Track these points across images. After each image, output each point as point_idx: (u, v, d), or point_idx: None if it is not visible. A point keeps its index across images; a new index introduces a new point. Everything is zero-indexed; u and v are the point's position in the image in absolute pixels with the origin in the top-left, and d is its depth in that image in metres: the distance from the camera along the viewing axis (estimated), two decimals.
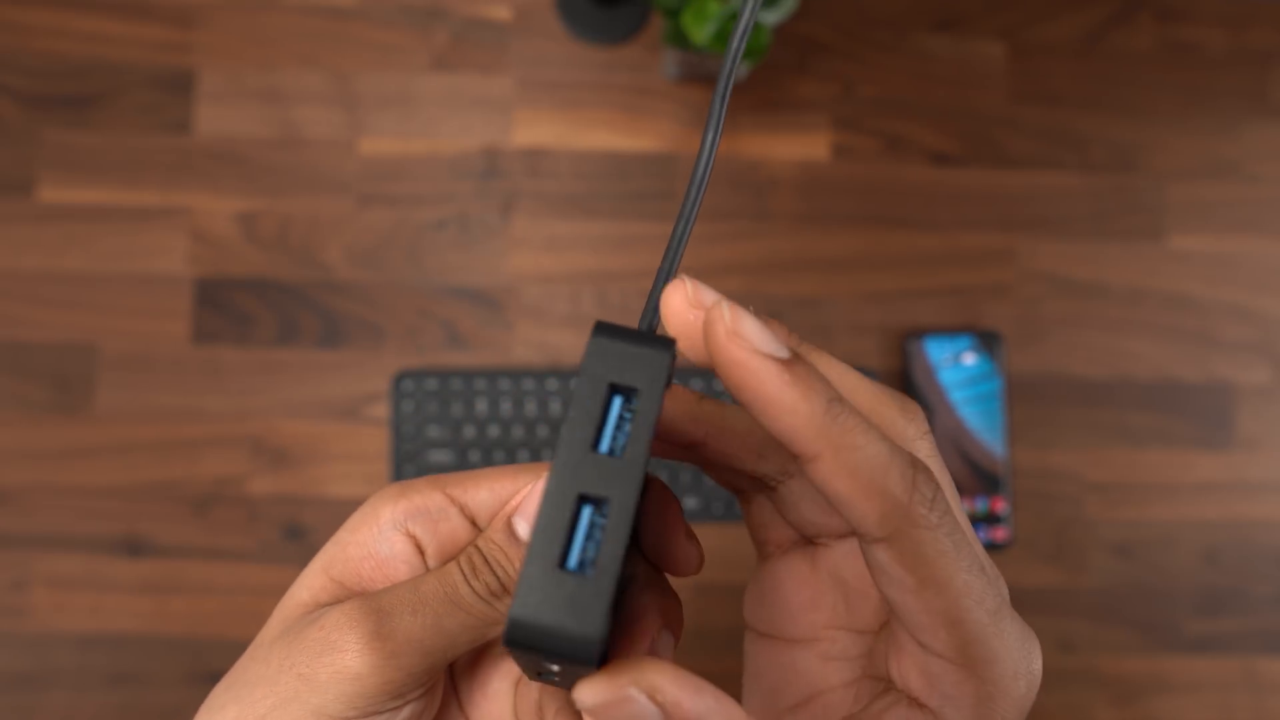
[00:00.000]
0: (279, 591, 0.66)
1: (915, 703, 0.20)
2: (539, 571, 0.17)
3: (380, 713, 0.22)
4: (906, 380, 0.68)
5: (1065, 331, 0.70)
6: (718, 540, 0.68)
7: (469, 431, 0.66)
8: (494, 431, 0.66)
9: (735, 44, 0.20)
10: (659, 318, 0.20)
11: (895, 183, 0.70)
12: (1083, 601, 0.69)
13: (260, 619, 0.66)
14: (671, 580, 0.68)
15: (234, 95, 0.69)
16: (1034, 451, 0.69)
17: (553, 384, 0.66)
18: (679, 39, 0.61)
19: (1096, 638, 0.69)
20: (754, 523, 0.25)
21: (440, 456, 0.66)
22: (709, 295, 0.19)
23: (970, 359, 0.68)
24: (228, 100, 0.68)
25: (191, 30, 0.69)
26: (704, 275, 0.69)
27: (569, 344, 0.68)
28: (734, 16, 0.57)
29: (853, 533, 0.23)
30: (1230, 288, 0.71)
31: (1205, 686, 0.69)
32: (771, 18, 0.57)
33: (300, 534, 0.66)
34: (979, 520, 0.68)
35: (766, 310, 0.69)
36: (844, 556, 0.23)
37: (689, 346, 0.19)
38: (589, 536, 0.17)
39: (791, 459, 0.23)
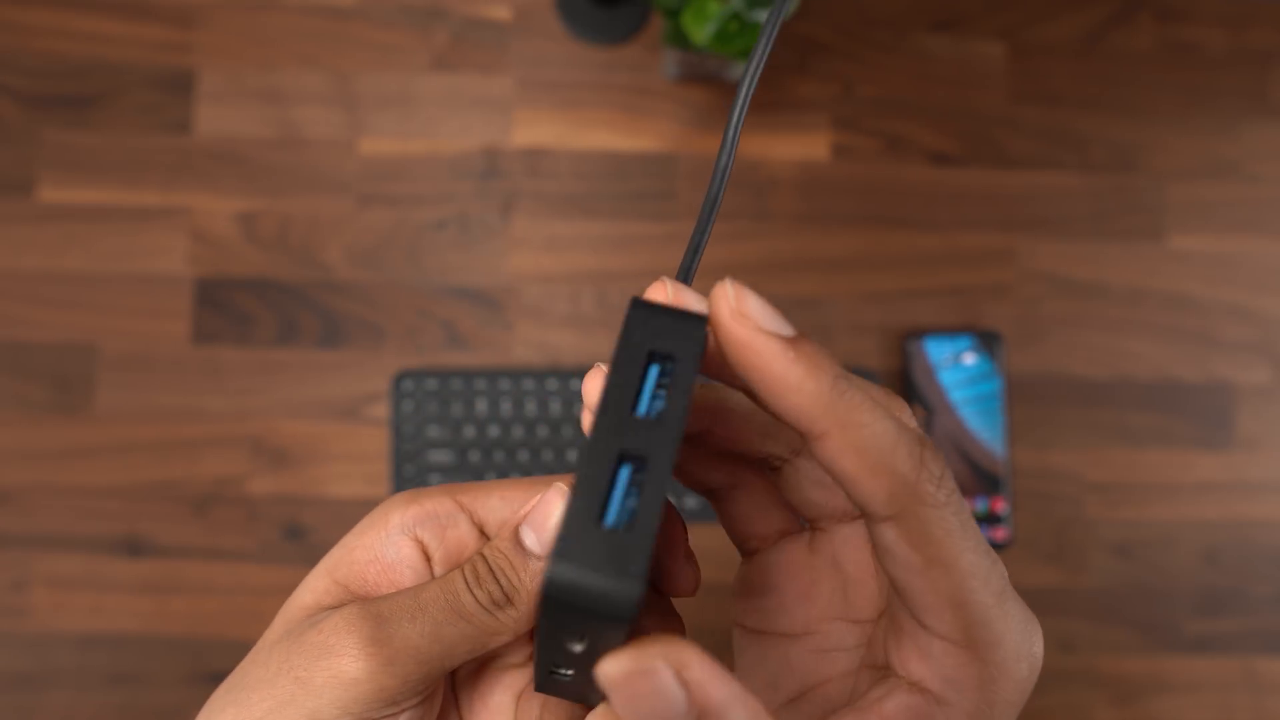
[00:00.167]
0: (279, 591, 0.66)
1: (916, 687, 0.20)
2: (578, 528, 0.17)
3: (376, 719, 0.21)
4: (906, 380, 0.68)
5: (1065, 331, 0.70)
6: (718, 540, 0.68)
7: (469, 431, 0.66)
8: (494, 431, 0.66)
9: (760, 49, 0.20)
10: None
11: (895, 183, 0.70)
12: (1083, 601, 0.69)
13: (260, 619, 0.66)
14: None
15: (234, 95, 0.69)
16: (1034, 451, 0.69)
17: (553, 384, 0.66)
18: (679, 39, 0.61)
19: (1096, 638, 0.69)
20: (736, 518, 0.25)
21: (440, 456, 0.66)
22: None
23: (970, 359, 0.68)
24: (228, 100, 0.68)
25: (191, 30, 0.69)
26: (704, 275, 0.69)
27: (569, 344, 0.68)
28: (734, 16, 0.57)
29: (855, 517, 0.23)
30: (1230, 288, 0.71)
31: (1205, 686, 0.69)
32: None
33: (300, 534, 0.66)
34: (979, 520, 0.68)
35: None
36: (844, 542, 0.23)
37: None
38: (627, 495, 0.17)
39: (798, 438, 0.23)
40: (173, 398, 0.67)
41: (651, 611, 0.23)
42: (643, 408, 0.18)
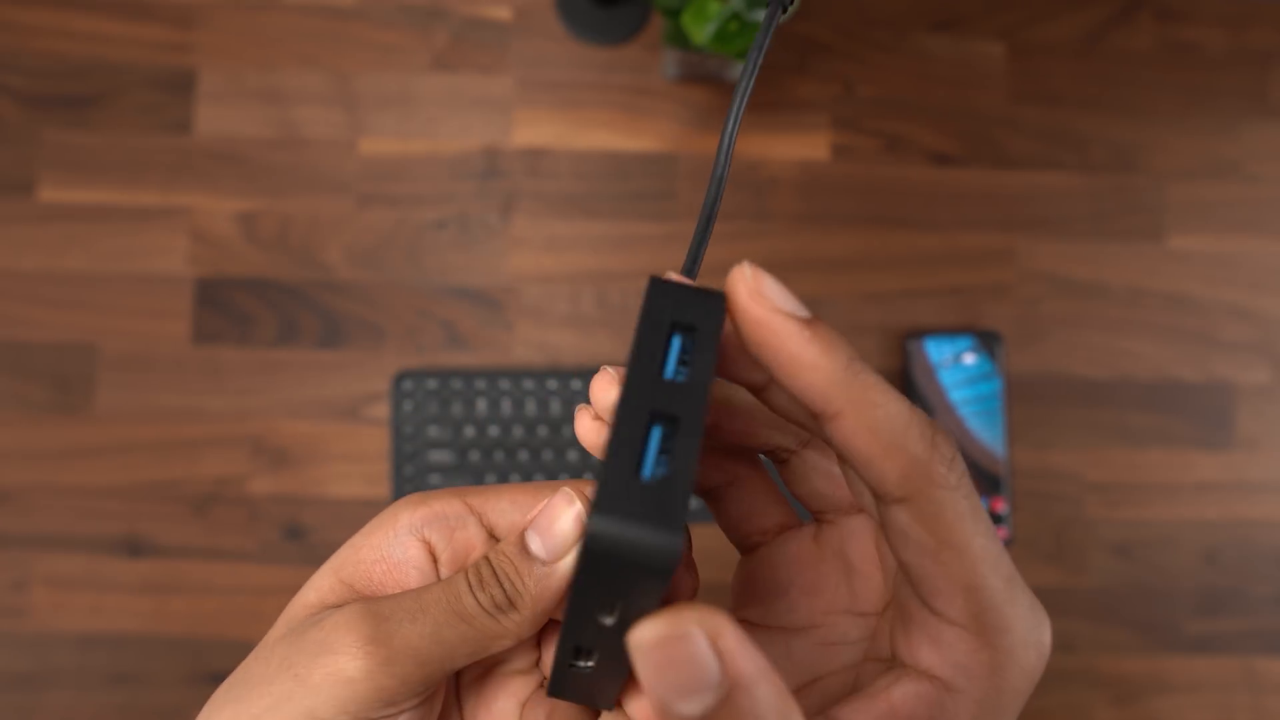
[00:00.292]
0: (279, 591, 0.66)
1: (925, 675, 0.20)
2: (616, 483, 0.17)
3: (373, 719, 0.21)
4: (907, 380, 0.68)
5: (1065, 331, 0.70)
6: (719, 541, 0.68)
7: (469, 431, 0.66)
8: (494, 431, 0.66)
9: (754, 56, 0.21)
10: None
11: (895, 183, 0.70)
12: (1083, 601, 0.69)
13: (260, 619, 0.66)
14: None
15: (234, 95, 0.69)
16: (1034, 451, 0.69)
17: (553, 384, 0.66)
18: (679, 39, 0.61)
19: (1096, 638, 0.69)
20: (736, 515, 0.25)
21: (440, 456, 0.66)
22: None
23: (970, 359, 0.68)
24: (228, 100, 0.68)
25: (191, 30, 0.69)
26: (704, 275, 0.69)
27: (569, 344, 0.68)
28: (734, 16, 0.57)
29: (860, 509, 0.23)
30: (1230, 288, 0.71)
31: (1205, 686, 0.69)
32: None
33: (300, 534, 0.66)
34: None
35: None
36: (850, 534, 0.23)
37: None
38: (662, 451, 0.18)
39: (804, 430, 0.23)
40: (173, 398, 0.67)
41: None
42: (669, 372, 0.19)
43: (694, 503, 0.67)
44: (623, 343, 0.69)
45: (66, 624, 0.65)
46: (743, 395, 0.23)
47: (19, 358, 0.67)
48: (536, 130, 0.69)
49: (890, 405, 0.19)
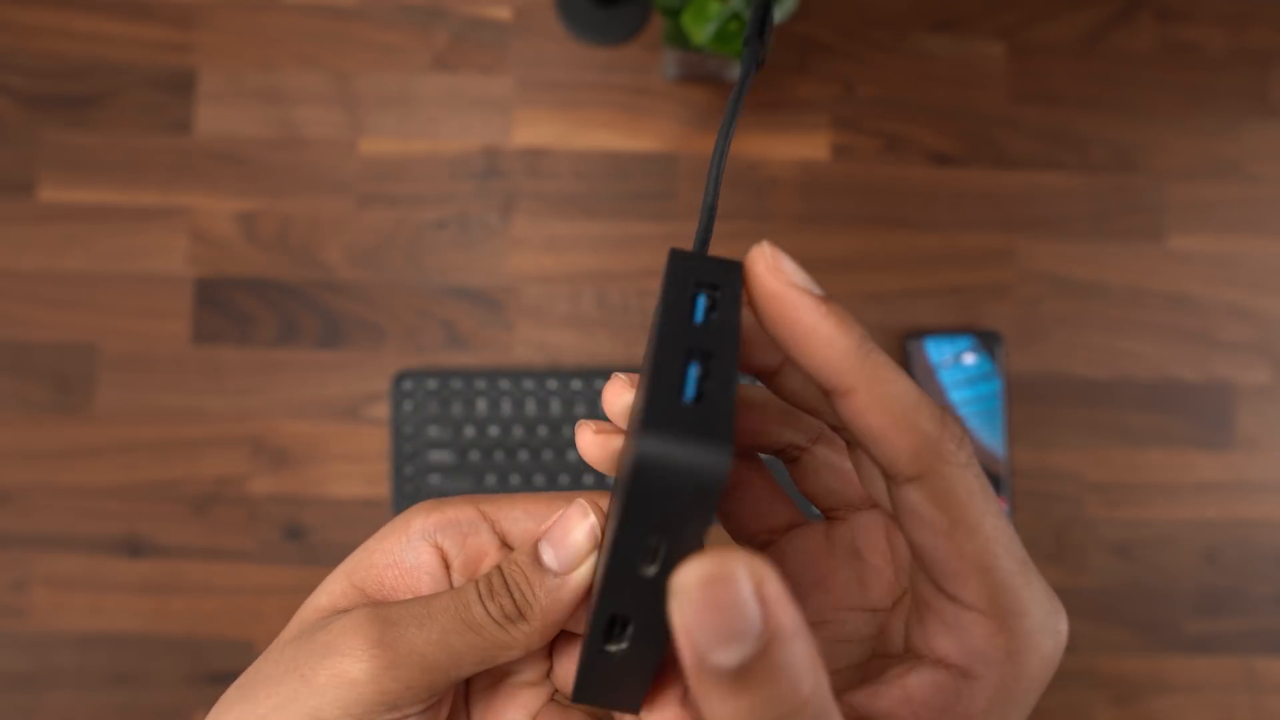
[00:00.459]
0: (279, 591, 0.66)
1: (941, 664, 0.20)
2: (660, 406, 0.17)
3: None
4: None
5: (1065, 331, 0.70)
6: (718, 542, 0.68)
7: (469, 431, 0.66)
8: (494, 431, 0.66)
9: (737, 93, 0.22)
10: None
11: (895, 183, 0.70)
12: (1083, 601, 0.69)
13: (260, 619, 0.66)
14: None
15: (234, 95, 0.69)
16: (1034, 451, 0.69)
17: (553, 384, 0.66)
18: (679, 39, 0.61)
19: (1096, 638, 0.69)
20: (744, 515, 0.25)
21: (440, 456, 0.66)
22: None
23: (970, 359, 0.68)
24: (228, 100, 0.68)
25: (191, 30, 0.69)
26: None
27: (569, 344, 0.68)
28: (734, 16, 0.57)
29: (872, 504, 0.23)
30: (1230, 288, 0.71)
31: (1205, 686, 0.69)
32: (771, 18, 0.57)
33: (300, 534, 0.66)
34: None
35: None
36: (861, 528, 0.23)
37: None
38: (701, 380, 0.18)
39: (820, 407, 0.23)
40: (173, 398, 0.67)
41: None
42: (699, 318, 0.19)
43: None
44: (623, 343, 0.69)
45: (66, 624, 0.65)
46: (754, 393, 0.23)
47: (19, 358, 0.67)
48: (536, 130, 0.69)
49: (901, 383, 0.19)
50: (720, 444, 0.17)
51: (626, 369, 0.67)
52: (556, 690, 0.25)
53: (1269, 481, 0.70)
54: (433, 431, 0.66)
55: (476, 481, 0.66)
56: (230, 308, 0.67)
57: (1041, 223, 0.71)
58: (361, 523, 0.67)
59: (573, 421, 0.66)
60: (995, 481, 0.68)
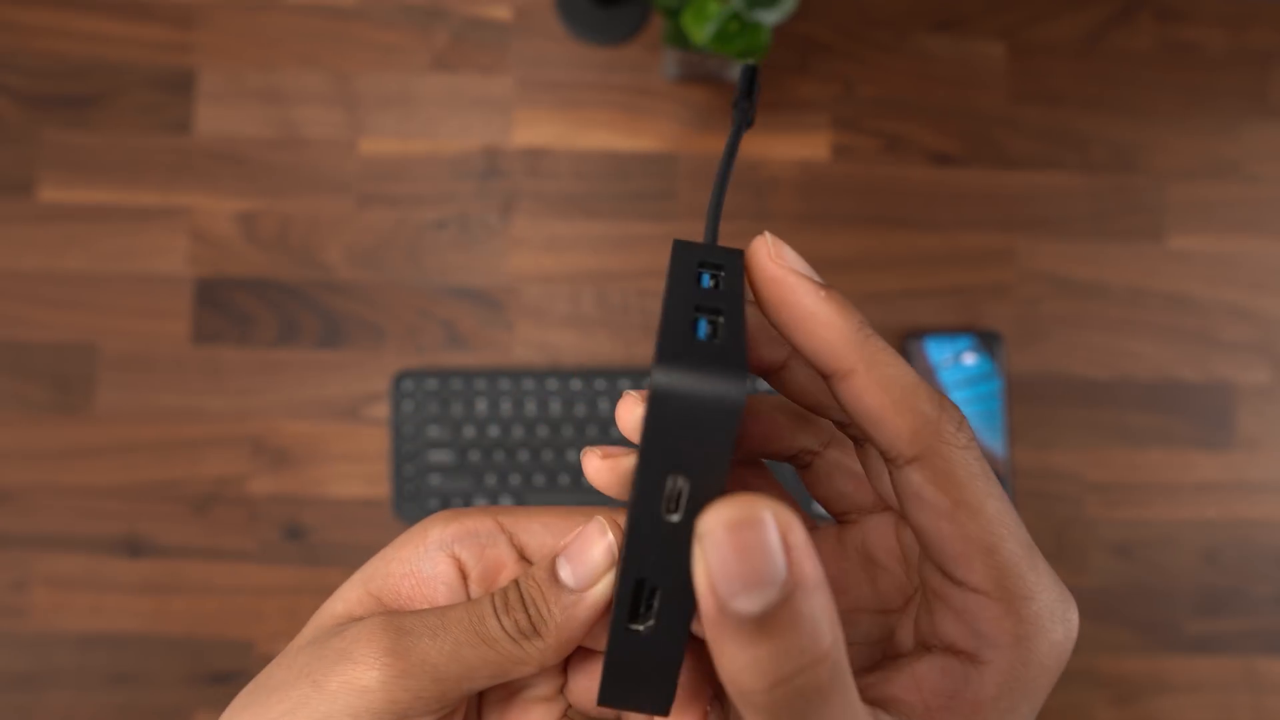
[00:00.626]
0: (279, 591, 0.66)
1: (950, 650, 0.20)
2: (675, 343, 0.17)
3: None
4: None
5: (1065, 331, 0.70)
6: None
7: (469, 431, 0.66)
8: (494, 431, 0.66)
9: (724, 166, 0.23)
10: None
11: (895, 183, 0.70)
12: (1083, 601, 0.69)
13: (260, 619, 0.66)
14: None
15: (234, 95, 0.69)
16: (1034, 451, 0.69)
17: (553, 384, 0.66)
18: (679, 39, 0.61)
19: (1096, 638, 0.69)
20: None
21: (440, 456, 0.66)
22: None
23: (970, 359, 0.68)
24: (228, 100, 0.68)
25: (191, 30, 0.69)
26: None
27: (569, 344, 0.68)
28: (734, 16, 0.57)
29: (883, 507, 0.23)
30: (1230, 288, 0.71)
31: (1205, 686, 0.69)
32: (771, 18, 0.57)
33: (300, 534, 0.66)
34: None
35: None
36: (872, 530, 0.23)
37: None
38: (710, 325, 0.18)
39: (826, 403, 0.23)
40: (173, 398, 0.67)
41: (698, 666, 0.23)
42: (705, 285, 0.20)
43: None
44: (623, 343, 0.69)
45: (66, 624, 0.65)
46: (764, 400, 0.24)
47: (19, 358, 0.67)
48: (536, 130, 0.69)
49: (899, 366, 0.19)
50: (735, 370, 0.17)
51: (626, 369, 0.67)
52: (570, 706, 0.25)
53: (1269, 481, 0.70)
54: (433, 431, 0.66)
55: (476, 481, 0.66)
56: (230, 308, 0.67)
57: (1041, 223, 0.71)
58: (361, 523, 0.67)
59: (573, 421, 0.66)
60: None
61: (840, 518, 0.24)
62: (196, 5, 0.69)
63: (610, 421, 0.66)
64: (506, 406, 0.66)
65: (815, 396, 0.23)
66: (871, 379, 0.19)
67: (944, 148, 0.71)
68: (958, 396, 0.68)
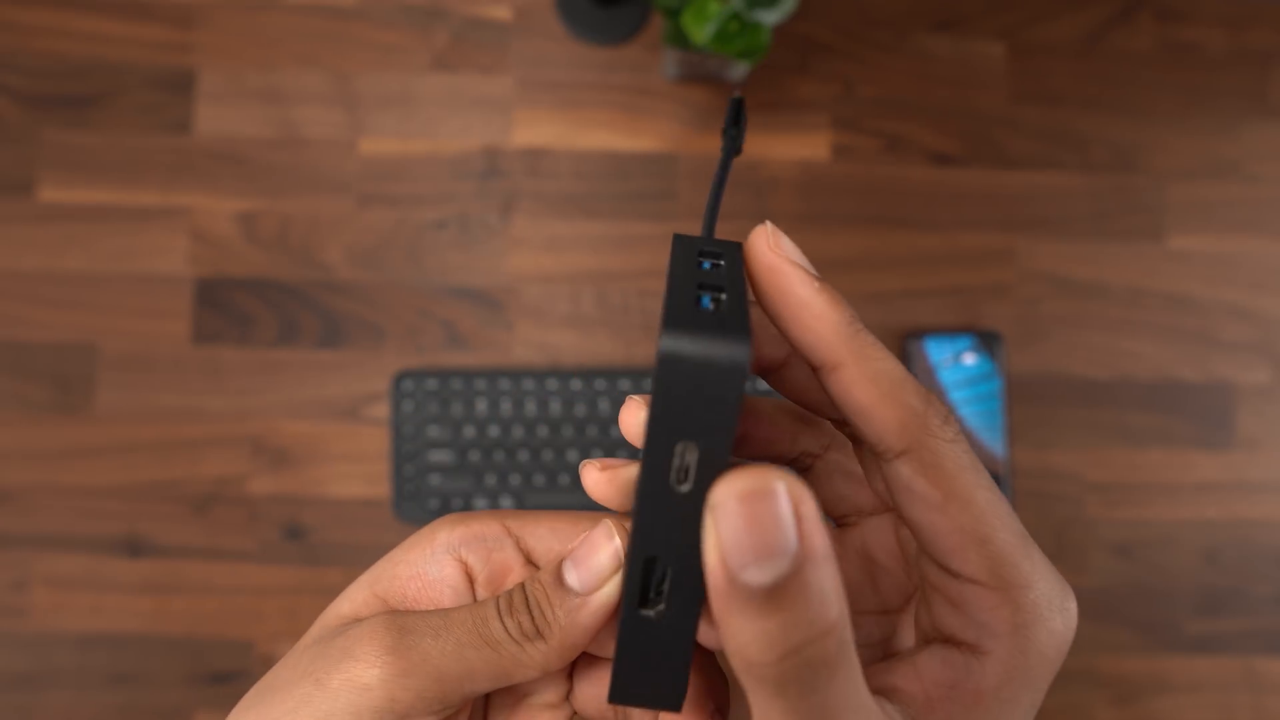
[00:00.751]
0: (279, 591, 0.66)
1: (951, 641, 0.20)
2: (680, 311, 0.18)
3: None
4: None
5: (1065, 331, 0.70)
6: None
7: (469, 431, 0.66)
8: (494, 431, 0.66)
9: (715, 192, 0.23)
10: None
11: (895, 183, 0.70)
12: (1083, 601, 0.69)
13: (260, 619, 0.66)
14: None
15: (234, 95, 0.69)
16: (1034, 451, 0.69)
17: (553, 384, 0.66)
18: (679, 39, 0.61)
19: (1096, 638, 0.69)
20: None
21: (440, 456, 0.66)
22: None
23: (970, 359, 0.68)
24: (228, 100, 0.68)
25: (191, 30, 0.69)
26: None
27: (569, 344, 0.68)
28: (734, 16, 0.57)
29: (883, 509, 0.23)
30: (1230, 288, 0.71)
31: (1205, 686, 0.69)
32: (771, 18, 0.57)
33: (300, 534, 0.66)
34: None
35: None
36: (873, 532, 0.24)
37: None
38: (713, 300, 0.19)
39: (824, 401, 0.23)
40: (173, 398, 0.67)
41: (698, 671, 0.23)
42: (706, 268, 0.20)
43: None
44: (623, 343, 0.69)
45: (66, 624, 0.65)
46: (765, 403, 0.24)
47: (19, 358, 0.67)
48: (536, 130, 0.69)
49: (888, 361, 0.20)
50: (739, 334, 0.17)
51: (627, 369, 0.67)
52: (576, 713, 0.25)
53: (1269, 481, 0.70)
54: (433, 431, 0.66)
55: (476, 481, 0.66)
56: (230, 308, 0.67)
57: (1041, 223, 0.71)
58: (361, 523, 0.67)
59: (573, 421, 0.66)
60: (995, 481, 0.68)
61: (840, 520, 0.24)
62: (196, 5, 0.69)
63: (610, 421, 0.66)
64: (506, 406, 0.66)
65: (815, 395, 0.23)
66: (861, 372, 0.19)
67: (944, 148, 0.71)
68: (958, 396, 0.68)
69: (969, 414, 0.68)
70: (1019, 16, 0.72)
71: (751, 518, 0.16)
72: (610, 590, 0.22)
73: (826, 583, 0.16)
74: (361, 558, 0.67)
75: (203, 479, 0.66)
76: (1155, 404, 0.70)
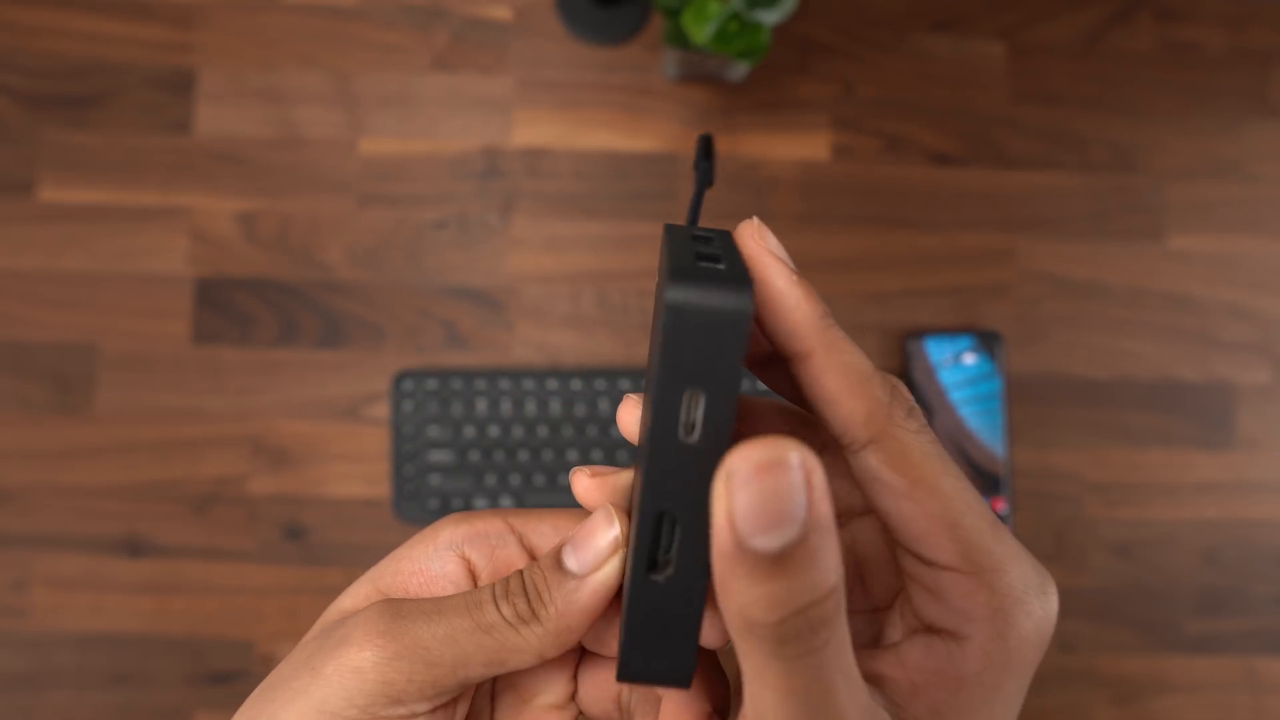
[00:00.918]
0: (279, 591, 0.66)
1: (931, 629, 0.21)
2: (682, 267, 0.19)
3: (381, 719, 0.21)
4: (907, 380, 0.68)
5: (1065, 331, 0.70)
6: None
7: (469, 431, 0.66)
8: (494, 431, 0.66)
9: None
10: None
11: (895, 183, 0.70)
12: (1083, 601, 0.69)
13: (260, 619, 0.66)
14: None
15: (234, 95, 0.69)
16: (1034, 451, 0.69)
17: (553, 384, 0.66)
18: (679, 39, 0.61)
19: (1096, 638, 0.69)
20: None
21: (440, 456, 0.66)
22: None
23: (970, 359, 0.68)
24: (228, 100, 0.68)
25: (191, 30, 0.69)
26: None
27: (569, 344, 0.68)
28: (734, 16, 0.57)
29: (869, 510, 0.24)
30: (1230, 288, 0.71)
31: (1205, 686, 0.69)
32: (771, 18, 0.57)
33: (300, 534, 0.66)
34: None
35: None
36: (860, 532, 0.24)
37: None
38: (713, 263, 0.20)
39: (819, 437, 0.23)
40: (173, 398, 0.67)
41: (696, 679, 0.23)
42: (699, 247, 0.21)
43: None
44: (623, 343, 0.69)
45: (66, 624, 0.65)
46: (763, 403, 0.24)
47: (19, 358, 0.67)
48: (536, 130, 0.69)
49: (856, 355, 0.20)
50: (740, 284, 0.18)
51: (627, 369, 0.67)
52: (581, 714, 0.25)
53: (1269, 481, 0.70)
54: (433, 431, 0.66)
55: (476, 481, 0.66)
56: (230, 308, 0.67)
57: (1041, 223, 0.71)
58: (361, 523, 0.67)
59: (573, 421, 0.66)
60: (995, 481, 0.68)
61: None
62: (196, 5, 0.69)
63: (610, 421, 0.66)
64: (506, 406, 0.66)
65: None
66: (829, 361, 0.20)
67: (944, 148, 0.71)
68: (958, 396, 0.68)
69: (969, 414, 0.68)
70: (1019, 16, 0.72)
71: (766, 487, 0.16)
72: (609, 571, 0.22)
73: (830, 550, 0.17)
74: (361, 558, 0.67)
75: (203, 479, 0.66)
76: (1155, 404, 0.70)
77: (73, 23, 0.68)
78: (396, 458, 0.66)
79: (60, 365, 0.67)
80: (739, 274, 0.19)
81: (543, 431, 0.66)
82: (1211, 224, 0.71)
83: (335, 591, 0.67)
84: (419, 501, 0.66)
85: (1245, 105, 0.72)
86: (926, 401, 0.68)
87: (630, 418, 0.23)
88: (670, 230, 0.22)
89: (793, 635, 0.17)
